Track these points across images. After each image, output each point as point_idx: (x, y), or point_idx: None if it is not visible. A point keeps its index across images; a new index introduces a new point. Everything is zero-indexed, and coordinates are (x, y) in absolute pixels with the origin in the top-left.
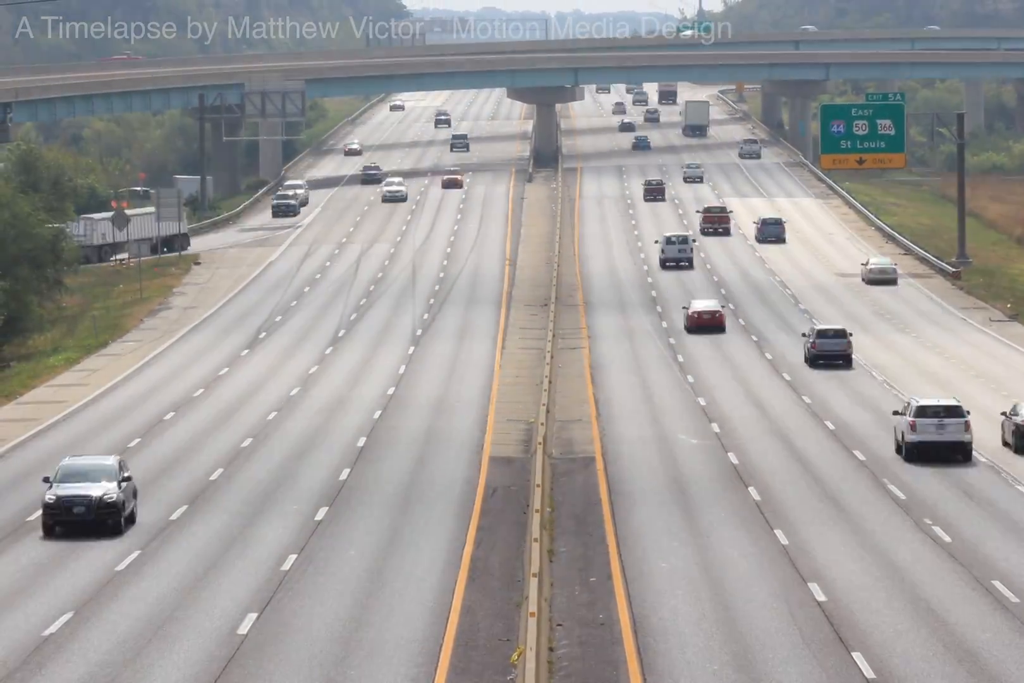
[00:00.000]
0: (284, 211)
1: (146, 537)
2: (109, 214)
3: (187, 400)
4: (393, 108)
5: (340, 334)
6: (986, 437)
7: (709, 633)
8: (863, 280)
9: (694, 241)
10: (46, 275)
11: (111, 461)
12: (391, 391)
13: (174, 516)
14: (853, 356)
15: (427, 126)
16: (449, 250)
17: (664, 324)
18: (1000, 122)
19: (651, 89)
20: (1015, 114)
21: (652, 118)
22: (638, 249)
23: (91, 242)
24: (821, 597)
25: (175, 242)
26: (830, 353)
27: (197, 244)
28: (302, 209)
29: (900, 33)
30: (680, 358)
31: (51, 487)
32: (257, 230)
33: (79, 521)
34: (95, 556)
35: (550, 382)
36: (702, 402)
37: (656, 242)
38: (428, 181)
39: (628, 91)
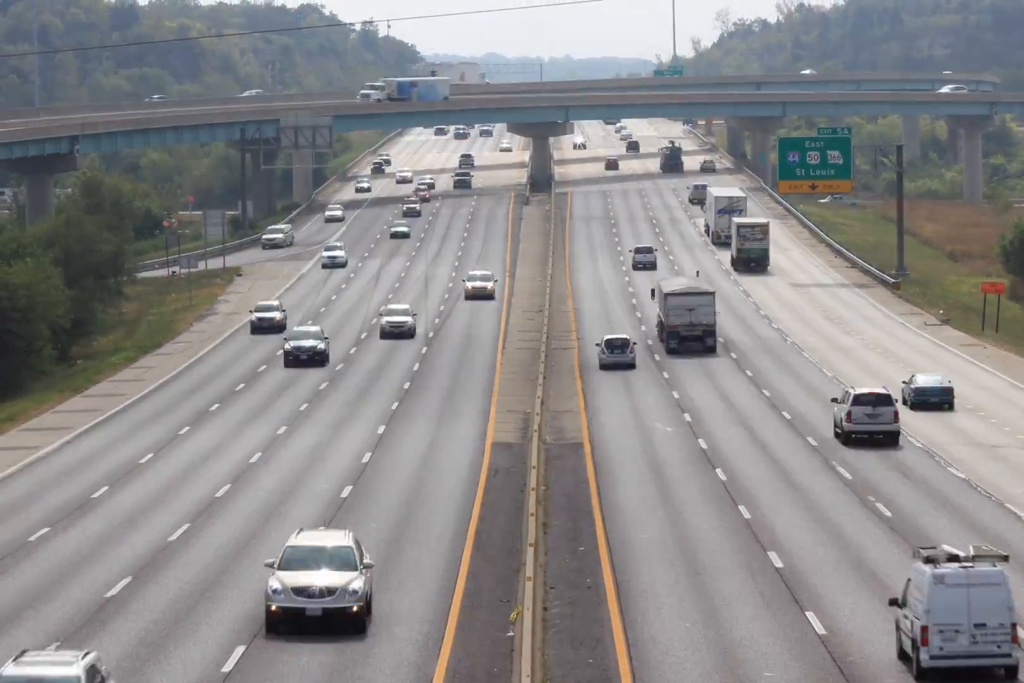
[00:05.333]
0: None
1: (194, 512)
2: None
3: (230, 394)
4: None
5: (362, 336)
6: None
7: (682, 595)
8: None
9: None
10: (108, 285)
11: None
12: (407, 385)
13: (219, 494)
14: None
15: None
16: (457, 263)
17: (643, 328)
18: (934, 153)
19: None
20: (947, 146)
21: (633, 147)
22: (620, 262)
23: None
24: (779, 564)
25: None
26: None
27: (238, 259)
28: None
29: (847, 76)
30: (656, 357)
31: None
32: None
33: None
34: (152, 527)
35: (544, 378)
36: (676, 395)
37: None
38: (440, 204)
39: (614, 127)
